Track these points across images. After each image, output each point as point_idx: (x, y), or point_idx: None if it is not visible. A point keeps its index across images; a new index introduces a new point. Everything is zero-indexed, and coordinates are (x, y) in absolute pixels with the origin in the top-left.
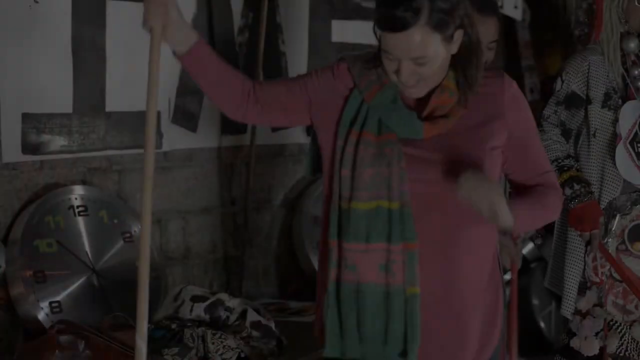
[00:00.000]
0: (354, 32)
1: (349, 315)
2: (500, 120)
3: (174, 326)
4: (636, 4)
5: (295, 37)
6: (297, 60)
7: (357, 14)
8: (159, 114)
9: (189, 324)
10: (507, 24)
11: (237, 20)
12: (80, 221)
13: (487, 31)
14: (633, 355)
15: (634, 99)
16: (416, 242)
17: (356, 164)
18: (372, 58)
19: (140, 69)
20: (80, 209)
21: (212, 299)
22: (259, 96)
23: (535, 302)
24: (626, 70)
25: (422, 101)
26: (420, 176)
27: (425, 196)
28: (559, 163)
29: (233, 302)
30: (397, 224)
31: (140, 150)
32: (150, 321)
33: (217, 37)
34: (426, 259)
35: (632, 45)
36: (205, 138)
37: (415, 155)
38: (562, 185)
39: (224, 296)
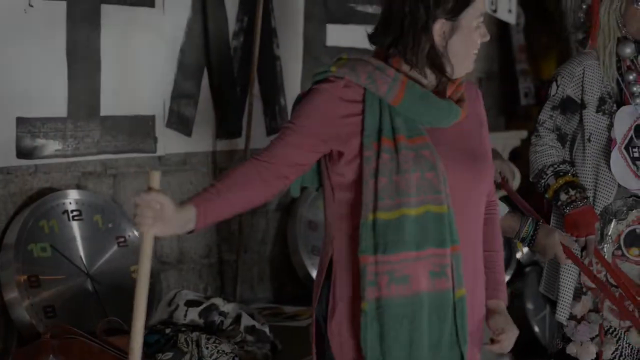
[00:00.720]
0: (348, 36)
1: (400, 330)
2: (484, 126)
3: (168, 331)
4: (635, 6)
5: (289, 41)
6: (292, 65)
7: (351, 18)
8: (153, 118)
9: (183, 329)
10: (501, 27)
11: (232, 24)
12: (75, 225)
13: None
14: None
15: (629, 104)
16: (460, 243)
17: (400, 170)
18: (381, 62)
19: (135, 73)
20: (75, 213)
21: (207, 303)
22: (276, 172)
23: (529, 306)
24: (621, 75)
25: (440, 92)
26: (453, 176)
27: (457, 195)
28: (555, 168)
29: (227, 307)
30: (447, 227)
31: (135, 155)
32: (144, 326)
33: (211, 41)
34: (463, 258)
35: (628, 50)
36: (200, 142)
37: (443, 155)
38: (558, 190)
39: (218, 301)
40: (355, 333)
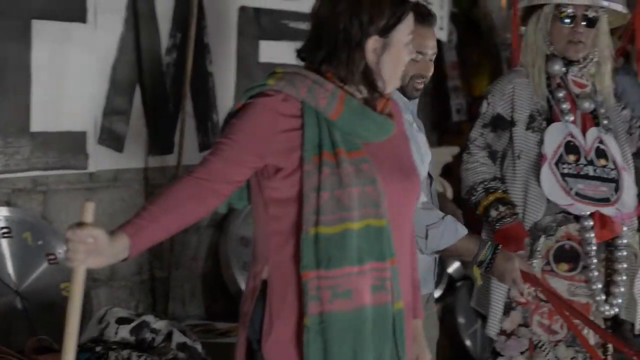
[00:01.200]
0: (281, 52)
1: (344, 345)
2: (409, 142)
3: (98, 349)
4: (560, 24)
5: (222, 58)
6: (225, 81)
7: (284, 34)
8: (84, 134)
9: (114, 347)
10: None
11: (165, 40)
12: (4, 243)
13: (430, 43)
14: None
15: (559, 120)
16: (397, 256)
17: (342, 184)
18: (318, 76)
19: (67, 88)
20: (4, 230)
21: (138, 320)
22: (213, 189)
23: (461, 320)
24: (551, 92)
25: (371, 107)
26: (388, 190)
27: (392, 209)
28: (486, 185)
29: (159, 324)
30: (386, 241)
31: (66, 171)
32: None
33: (144, 57)
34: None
35: (556, 67)
36: (132, 158)
37: (379, 169)
38: (488, 207)
39: (149, 318)
40: (297, 350)
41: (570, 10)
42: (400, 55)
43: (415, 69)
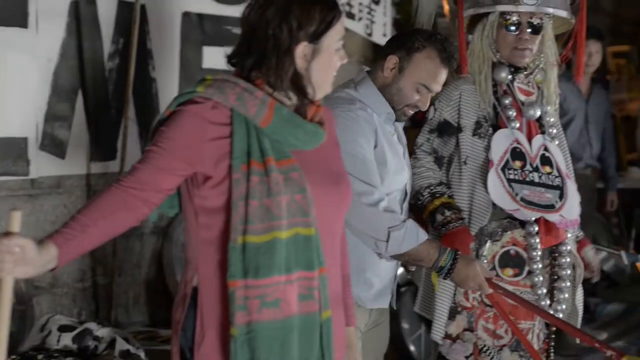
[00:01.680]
0: (224, 58)
1: (271, 354)
2: (339, 148)
3: (40, 357)
4: (505, 31)
5: (166, 63)
6: (168, 87)
7: (228, 40)
8: (26, 140)
9: (56, 355)
10: (376, 51)
11: (107, 46)
12: None
13: (440, 82)
14: None
15: (505, 127)
16: (326, 265)
17: (271, 193)
18: (248, 83)
19: (7, 94)
20: None
21: (80, 328)
22: (143, 198)
23: (405, 325)
24: (497, 99)
25: (301, 114)
26: (318, 198)
27: (322, 217)
28: (432, 190)
29: (102, 332)
30: (315, 250)
31: (6, 178)
32: (15, 353)
33: (86, 62)
34: (328, 279)
35: (502, 74)
36: (74, 165)
37: (309, 177)
38: (434, 211)
39: (92, 325)
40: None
41: (515, 18)
42: (331, 61)
43: (414, 100)
